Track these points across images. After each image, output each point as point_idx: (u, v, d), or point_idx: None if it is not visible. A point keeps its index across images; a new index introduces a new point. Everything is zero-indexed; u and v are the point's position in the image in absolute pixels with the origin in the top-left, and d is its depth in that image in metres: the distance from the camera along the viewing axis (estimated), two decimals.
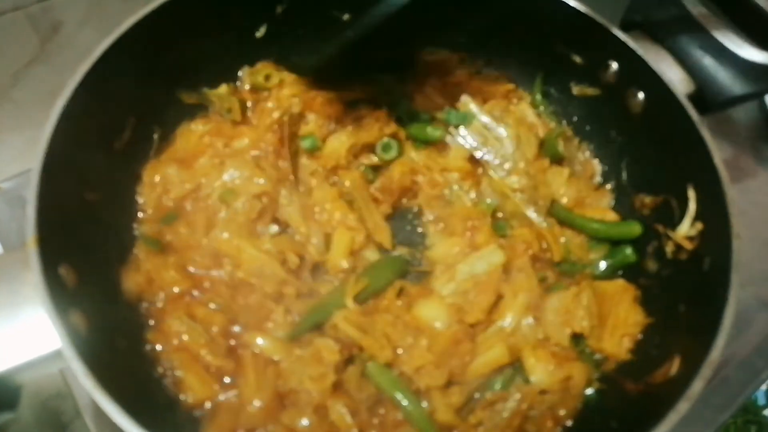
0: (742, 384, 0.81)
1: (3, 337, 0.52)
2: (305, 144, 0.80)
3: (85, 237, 0.64)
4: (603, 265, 0.76)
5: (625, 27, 0.78)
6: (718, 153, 0.65)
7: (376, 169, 0.82)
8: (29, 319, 0.52)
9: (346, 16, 0.86)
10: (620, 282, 0.73)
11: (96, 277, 0.63)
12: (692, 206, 0.68)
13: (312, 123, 0.81)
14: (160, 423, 0.49)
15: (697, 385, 0.52)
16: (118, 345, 0.61)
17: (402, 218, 0.81)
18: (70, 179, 0.62)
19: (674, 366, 0.59)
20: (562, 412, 0.65)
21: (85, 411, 0.72)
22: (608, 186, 0.82)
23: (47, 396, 1.06)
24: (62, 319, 0.50)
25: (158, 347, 0.65)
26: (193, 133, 0.79)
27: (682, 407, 0.51)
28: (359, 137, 0.80)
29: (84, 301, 0.56)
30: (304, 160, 0.79)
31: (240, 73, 0.84)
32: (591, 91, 0.82)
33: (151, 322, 0.67)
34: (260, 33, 0.84)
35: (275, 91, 0.81)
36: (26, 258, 0.53)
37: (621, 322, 0.69)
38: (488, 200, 0.79)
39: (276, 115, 0.78)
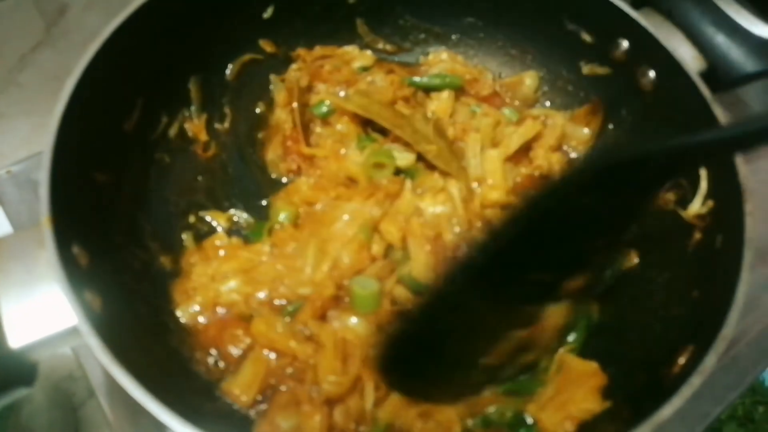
0: (751, 363, 0.81)
1: (19, 314, 0.52)
2: (317, 111, 0.80)
3: (96, 218, 0.64)
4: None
5: (636, 4, 0.77)
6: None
7: None
8: (44, 296, 0.53)
9: (352, 0, 0.85)
10: (593, 365, 0.67)
11: (107, 257, 0.63)
12: (703, 184, 0.68)
13: (323, 92, 0.81)
14: (177, 398, 0.50)
15: (710, 360, 0.52)
16: (129, 324, 0.61)
17: None
18: (81, 160, 0.62)
19: (685, 356, 0.58)
20: None
21: (98, 390, 0.73)
22: None
23: (59, 378, 1.07)
24: (77, 295, 0.51)
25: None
26: None
27: (695, 381, 0.51)
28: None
29: (96, 280, 0.56)
30: (318, 129, 0.80)
31: None
32: (601, 70, 0.81)
33: None
34: (267, 14, 0.84)
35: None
36: (40, 237, 0.53)
37: (572, 404, 0.64)
38: None
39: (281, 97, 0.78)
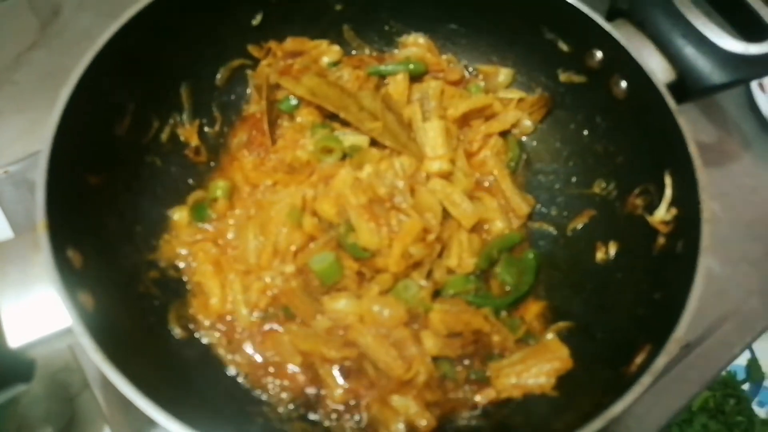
0: (715, 359, 0.85)
1: (16, 315, 0.55)
2: (285, 105, 0.84)
3: (90, 221, 0.67)
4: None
5: (611, 15, 0.80)
6: (693, 141, 0.67)
7: None
8: (40, 298, 0.56)
9: (338, 7, 0.88)
10: (564, 351, 0.72)
11: (100, 259, 0.66)
12: (668, 192, 0.71)
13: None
14: (168, 396, 0.53)
15: (661, 361, 0.56)
16: (121, 323, 0.64)
17: None
18: (76, 164, 0.65)
19: (643, 355, 0.61)
20: None
21: (93, 383, 0.76)
22: None
23: (56, 369, 1.11)
24: (71, 297, 0.54)
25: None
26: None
27: (646, 380, 0.55)
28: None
29: (89, 282, 0.59)
30: (285, 123, 0.84)
31: None
32: (577, 78, 0.84)
33: None
34: (256, 21, 0.86)
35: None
36: (36, 241, 0.56)
37: (527, 375, 0.69)
38: None
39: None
